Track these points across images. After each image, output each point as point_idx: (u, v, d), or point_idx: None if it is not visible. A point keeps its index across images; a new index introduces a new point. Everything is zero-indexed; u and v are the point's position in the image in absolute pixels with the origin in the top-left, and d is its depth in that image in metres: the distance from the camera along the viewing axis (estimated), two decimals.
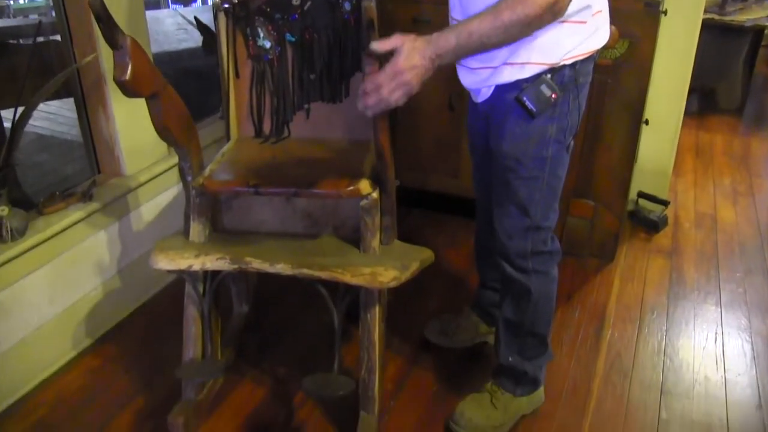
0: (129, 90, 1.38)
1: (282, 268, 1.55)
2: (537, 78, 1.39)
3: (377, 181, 1.60)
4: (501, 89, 1.44)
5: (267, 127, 1.85)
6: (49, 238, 1.86)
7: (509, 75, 1.40)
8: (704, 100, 4.35)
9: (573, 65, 1.40)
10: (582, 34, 1.38)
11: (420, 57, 1.25)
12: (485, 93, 1.48)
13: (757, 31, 4.21)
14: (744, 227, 2.83)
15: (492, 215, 1.61)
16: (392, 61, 1.26)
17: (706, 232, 2.78)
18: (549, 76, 1.39)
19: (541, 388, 1.80)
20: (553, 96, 1.39)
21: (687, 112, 2.81)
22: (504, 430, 1.74)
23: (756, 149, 3.71)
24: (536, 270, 1.60)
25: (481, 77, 1.46)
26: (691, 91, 2.75)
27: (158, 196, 2.25)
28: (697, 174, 3.35)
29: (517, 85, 1.41)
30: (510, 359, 1.72)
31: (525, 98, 1.40)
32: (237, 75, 1.83)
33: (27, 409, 1.82)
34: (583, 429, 1.77)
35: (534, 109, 1.40)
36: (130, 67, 1.34)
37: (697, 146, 3.70)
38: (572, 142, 1.53)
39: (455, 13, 1.45)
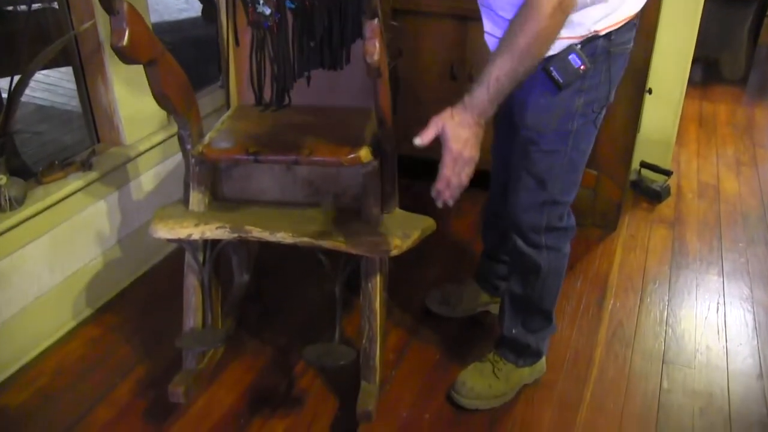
0: (126, 56, 1.36)
1: (282, 236, 1.54)
2: (566, 48, 1.33)
3: (378, 149, 1.58)
4: None
5: (267, 95, 1.82)
6: (48, 208, 1.84)
7: None
8: (708, 70, 4.30)
9: (608, 36, 1.34)
10: (610, 3, 1.31)
11: (466, 129, 1.25)
12: None
13: (761, 1, 4.14)
14: (747, 197, 2.82)
15: (507, 186, 1.58)
16: (445, 150, 1.26)
17: (709, 202, 2.77)
18: (579, 46, 1.33)
19: (543, 359, 1.80)
20: (582, 68, 1.33)
21: (690, 83, 2.78)
22: (506, 399, 1.74)
23: (760, 119, 3.68)
24: (548, 246, 1.58)
25: None
26: (695, 61, 2.71)
27: (158, 166, 2.24)
28: (700, 144, 3.33)
29: (546, 57, 1.35)
30: (513, 331, 1.71)
31: (552, 69, 1.34)
32: (237, 43, 1.80)
33: (28, 379, 1.82)
34: (584, 398, 1.77)
35: (561, 80, 1.35)
36: (127, 33, 1.31)
37: (701, 116, 3.67)
38: (602, 114, 1.47)
39: None
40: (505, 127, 1.60)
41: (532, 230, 1.56)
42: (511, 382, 1.75)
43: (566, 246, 1.64)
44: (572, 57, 1.33)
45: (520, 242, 1.59)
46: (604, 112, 1.48)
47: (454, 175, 1.27)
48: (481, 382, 1.73)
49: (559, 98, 1.39)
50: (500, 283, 1.97)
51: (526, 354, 1.74)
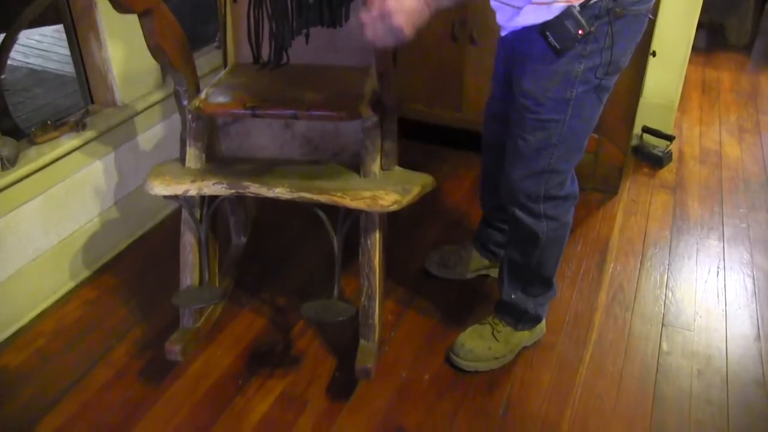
0: (121, 5, 1.32)
1: (280, 192, 1.51)
2: (565, 11, 1.26)
3: (378, 105, 1.55)
4: (527, 28, 1.34)
5: (265, 53, 1.78)
6: (41, 168, 1.82)
7: (534, 17, 1.30)
8: (713, 35, 4.24)
9: None
10: None
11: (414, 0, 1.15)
12: (512, 25, 1.38)
13: None
14: (749, 164, 2.79)
15: (501, 151, 1.54)
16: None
17: (711, 168, 2.75)
18: (578, 9, 1.26)
19: (543, 321, 1.80)
20: (580, 32, 1.26)
21: (695, 48, 2.74)
22: (505, 362, 1.74)
23: (764, 86, 3.64)
24: (548, 215, 1.54)
25: (505, 15, 1.37)
26: (700, 26, 2.67)
27: (154, 127, 2.20)
28: (703, 110, 3.29)
29: (543, 21, 1.30)
30: (513, 297, 1.70)
31: (549, 34, 1.29)
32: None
33: (26, 340, 1.81)
34: (584, 360, 1.77)
35: (558, 46, 1.29)
36: None
37: (704, 82, 3.63)
38: (611, 81, 1.40)
39: None
40: (503, 90, 1.56)
41: (530, 199, 1.52)
42: (511, 345, 1.74)
43: (566, 215, 1.59)
44: (568, 22, 1.26)
45: (517, 212, 1.55)
46: (615, 78, 1.41)
47: (371, 28, 1.17)
48: (481, 344, 1.72)
49: (558, 64, 1.33)
50: (498, 249, 1.96)
51: (525, 318, 1.73)
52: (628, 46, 1.38)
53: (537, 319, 1.76)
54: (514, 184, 1.52)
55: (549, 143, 1.43)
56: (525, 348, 1.79)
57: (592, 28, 1.28)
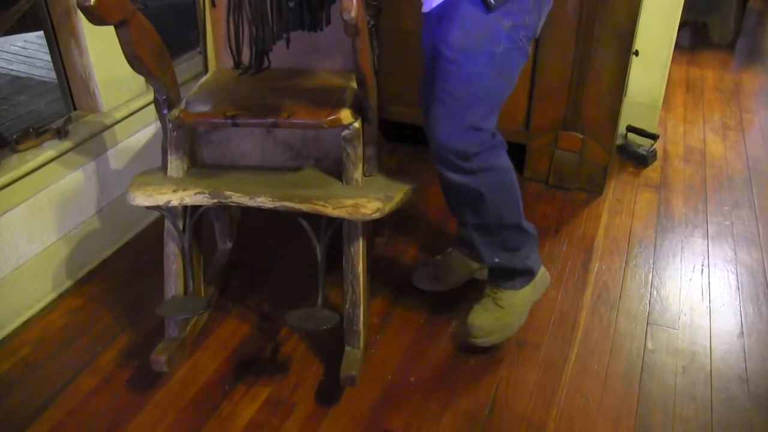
0: (95, 16, 1.31)
1: (262, 201, 1.52)
2: None
3: (359, 111, 1.55)
4: None
5: (246, 57, 1.78)
6: (24, 176, 1.81)
7: None
8: (696, 34, 4.27)
9: None
10: None
11: None
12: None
13: None
14: (733, 161, 2.81)
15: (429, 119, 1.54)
16: None
17: (695, 166, 2.76)
18: None
19: (542, 269, 1.80)
20: None
21: (678, 47, 2.76)
22: (520, 324, 1.76)
23: (747, 84, 3.66)
24: (481, 168, 1.54)
25: None
26: (683, 24, 2.69)
27: (138, 133, 2.20)
28: (687, 109, 3.31)
29: None
30: (496, 260, 1.70)
31: None
32: (213, 4, 1.76)
33: (11, 348, 1.80)
34: (569, 359, 1.77)
35: (492, 2, 1.35)
36: None
37: (688, 81, 3.65)
38: (528, 47, 1.48)
39: None
40: (431, 66, 1.56)
41: (459, 157, 1.51)
42: (517, 307, 1.75)
43: (500, 160, 1.58)
44: None
45: (451, 174, 1.54)
46: (529, 45, 1.49)
47: None
48: (488, 317, 1.73)
49: (486, 19, 1.39)
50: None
51: (517, 275, 1.74)
52: (542, 14, 1.47)
53: (530, 272, 1.76)
54: (440, 143, 1.51)
55: (474, 97, 1.46)
56: (509, 347, 1.79)
57: None
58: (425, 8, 1.48)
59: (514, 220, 1.66)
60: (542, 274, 1.81)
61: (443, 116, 1.50)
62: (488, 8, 1.37)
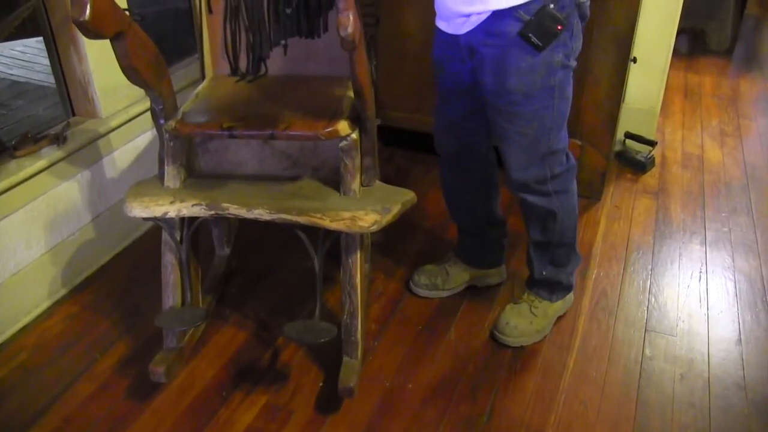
0: (90, 31, 1.29)
1: (260, 213, 1.51)
2: (540, 9, 1.37)
3: (357, 121, 1.55)
4: (495, 19, 1.40)
5: (243, 64, 1.78)
6: (22, 182, 1.81)
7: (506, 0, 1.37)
8: (694, 41, 4.28)
9: None
10: None
11: None
12: (473, 21, 1.43)
13: None
14: (730, 168, 2.82)
15: (461, 163, 1.64)
16: None
17: (693, 173, 2.76)
18: (552, 6, 1.37)
19: (572, 291, 1.91)
20: (559, 27, 1.38)
21: (676, 54, 2.76)
22: (545, 333, 1.85)
23: (744, 91, 3.67)
24: (557, 191, 1.64)
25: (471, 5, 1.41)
26: (681, 31, 2.69)
27: (137, 139, 2.20)
28: (685, 115, 3.32)
29: (512, 13, 1.37)
30: (544, 273, 1.80)
31: (531, 35, 1.38)
32: (210, 10, 1.76)
33: (8, 354, 1.80)
34: (567, 366, 1.77)
35: (541, 44, 1.39)
36: (89, 6, 1.23)
37: (686, 87, 3.66)
38: (576, 62, 1.53)
39: None
40: (463, 97, 1.62)
41: (538, 182, 1.61)
42: (549, 317, 1.85)
43: (572, 183, 1.71)
44: (548, 21, 1.38)
45: (529, 197, 1.64)
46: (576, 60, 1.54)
47: None
48: (522, 320, 1.81)
49: (540, 58, 1.43)
50: (481, 258, 1.98)
51: (558, 290, 1.85)
52: (582, 30, 1.53)
53: (569, 288, 1.88)
54: (519, 175, 1.61)
55: (545, 129, 1.53)
56: (508, 354, 1.80)
57: (566, 21, 1.40)
58: (450, 30, 1.50)
59: (571, 240, 1.79)
60: (572, 294, 1.91)
61: (516, 152, 1.58)
62: (538, 50, 1.41)
